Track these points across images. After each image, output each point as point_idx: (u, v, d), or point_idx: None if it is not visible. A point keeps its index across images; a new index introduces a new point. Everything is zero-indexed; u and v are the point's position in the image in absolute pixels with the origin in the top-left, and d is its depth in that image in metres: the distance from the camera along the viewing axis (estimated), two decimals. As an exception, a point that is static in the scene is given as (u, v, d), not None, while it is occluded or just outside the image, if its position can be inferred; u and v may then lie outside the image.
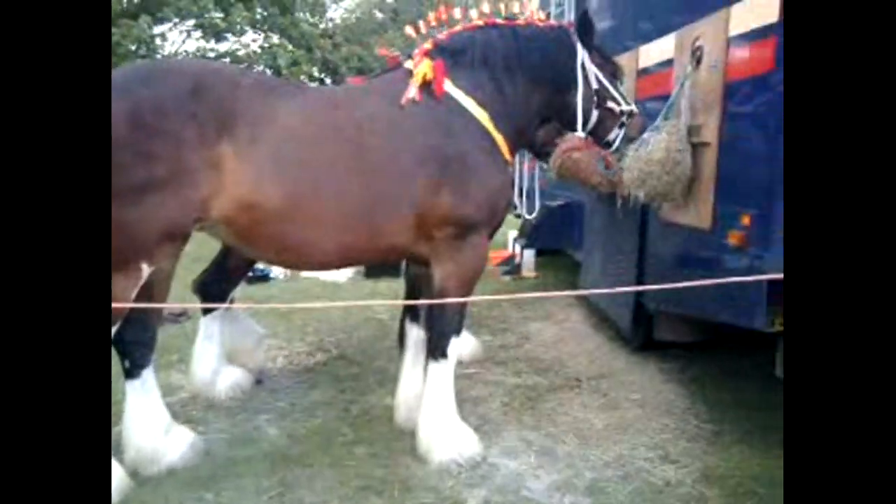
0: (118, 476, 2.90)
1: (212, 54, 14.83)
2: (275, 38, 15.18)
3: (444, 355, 3.27)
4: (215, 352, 3.99)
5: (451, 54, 3.29)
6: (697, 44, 3.57)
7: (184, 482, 3.07)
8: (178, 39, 15.16)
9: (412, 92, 3.15)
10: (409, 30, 3.51)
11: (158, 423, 3.13)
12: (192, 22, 14.17)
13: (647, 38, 4.40)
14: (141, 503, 2.90)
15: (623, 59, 4.54)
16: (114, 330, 2.85)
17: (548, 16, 3.83)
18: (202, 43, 15.13)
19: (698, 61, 3.56)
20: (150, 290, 2.91)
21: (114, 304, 2.45)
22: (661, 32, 4.15)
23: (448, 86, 3.22)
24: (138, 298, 2.82)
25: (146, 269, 2.79)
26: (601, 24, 5.30)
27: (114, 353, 2.99)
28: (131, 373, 3.06)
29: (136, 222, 2.65)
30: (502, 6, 3.58)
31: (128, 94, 2.64)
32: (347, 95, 3.40)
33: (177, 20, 13.94)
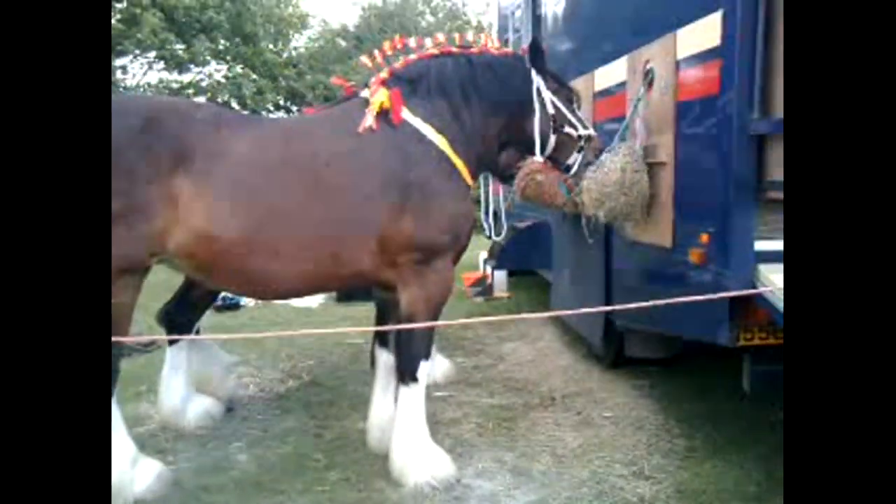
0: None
1: (175, 85, 14.79)
2: (238, 68, 15.21)
3: (414, 379, 3.26)
4: (183, 381, 3.92)
5: (408, 82, 3.34)
6: (648, 66, 3.68)
7: (152, 514, 3.00)
8: (139, 71, 15.09)
9: (369, 120, 3.18)
10: (364, 59, 3.55)
11: (124, 454, 3.05)
12: (153, 54, 14.14)
13: (602, 61, 4.50)
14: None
15: (580, 82, 4.64)
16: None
17: (506, 42, 3.90)
18: (165, 74, 15.10)
19: (650, 83, 3.66)
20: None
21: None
22: (613, 55, 4.25)
23: (406, 113, 3.26)
24: None
25: None
26: (559, 47, 5.43)
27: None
28: (96, 404, 2.98)
29: None
30: (457, 35, 3.65)
31: None
32: (304, 125, 3.44)
33: (137, 52, 13.89)
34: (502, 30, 7.69)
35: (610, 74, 4.35)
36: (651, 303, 2.89)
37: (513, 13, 7.02)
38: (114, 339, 2.85)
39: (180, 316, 3.94)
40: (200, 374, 4.12)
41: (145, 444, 3.53)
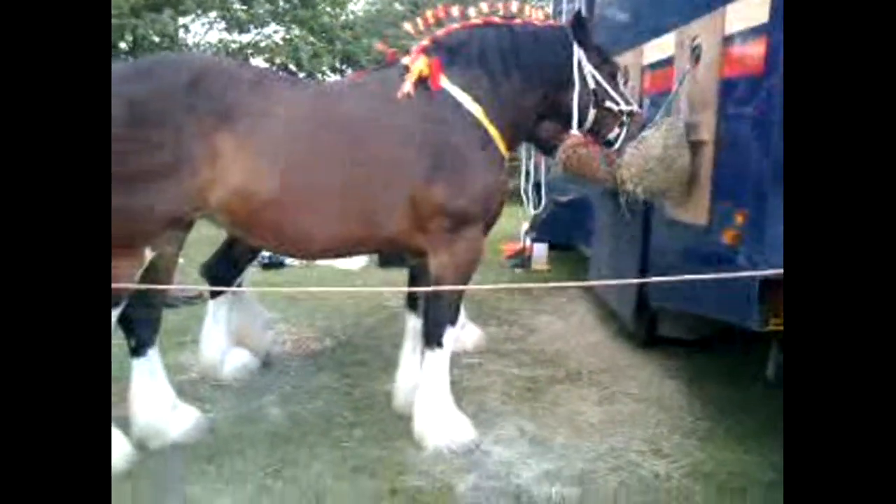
0: (125, 448, 3.04)
1: (234, 46, 15.07)
2: (296, 31, 15.36)
3: (439, 345, 3.35)
4: (223, 334, 4.12)
5: (449, 51, 3.36)
6: (696, 42, 3.60)
7: (188, 456, 3.20)
8: (200, 31, 15.40)
9: (407, 87, 3.22)
10: (407, 26, 3.58)
11: (163, 399, 3.27)
12: (214, 14, 14.43)
13: (652, 35, 4.42)
14: (146, 473, 3.04)
15: (631, 55, 4.56)
16: (119, 311, 2.97)
17: (560, 13, 3.83)
18: (225, 35, 15.37)
19: (697, 59, 3.59)
20: (155, 273, 3.04)
21: (116, 286, 2.55)
22: (663, 30, 4.18)
23: (444, 82, 3.29)
24: (142, 280, 2.96)
25: (148, 254, 2.95)
26: (611, 19, 5.33)
27: (121, 332, 3.14)
28: (137, 351, 3.20)
29: (136, 209, 2.78)
30: (500, 5, 3.63)
31: (129, 85, 2.77)
32: (344, 89, 3.50)
33: (199, 12, 14.17)
34: (557, 0, 7.58)
35: (659, 48, 4.28)
36: (671, 278, 2.87)
37: None
38: (155, 286, 3.06)
39: (222, 271, 4.13)
40: (240, 328, 4.32)
41: (185, 392, 3.74)
